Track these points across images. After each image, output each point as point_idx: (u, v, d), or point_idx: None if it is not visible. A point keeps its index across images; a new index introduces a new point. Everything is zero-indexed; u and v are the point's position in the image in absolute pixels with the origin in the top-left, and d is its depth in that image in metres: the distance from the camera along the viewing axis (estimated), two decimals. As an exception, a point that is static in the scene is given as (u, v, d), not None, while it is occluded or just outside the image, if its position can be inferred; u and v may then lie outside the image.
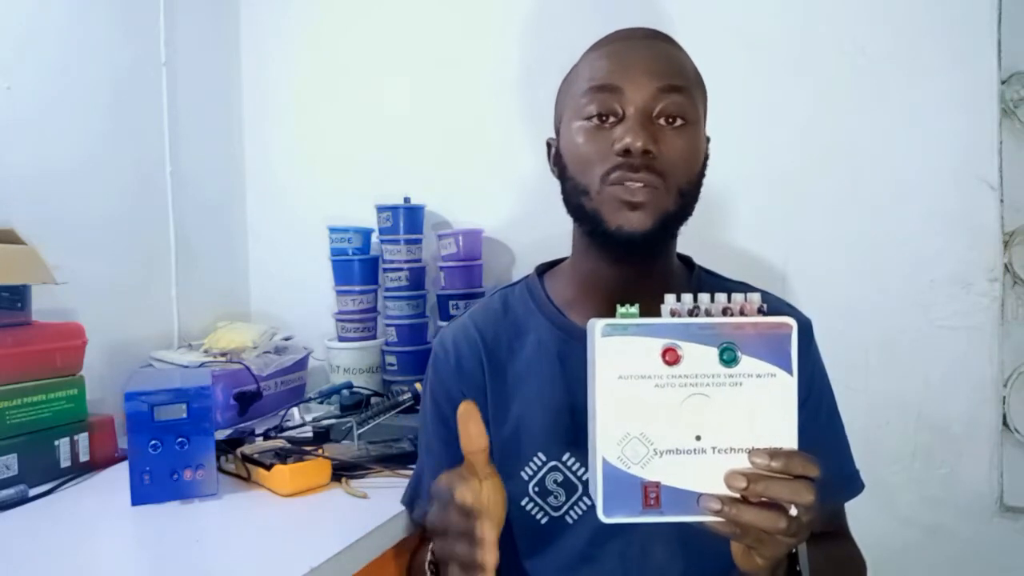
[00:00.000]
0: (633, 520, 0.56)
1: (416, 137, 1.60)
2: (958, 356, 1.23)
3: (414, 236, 1.52)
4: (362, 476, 1.04)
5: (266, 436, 1.19)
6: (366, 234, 1.57)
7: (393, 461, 1.08)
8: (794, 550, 0.64)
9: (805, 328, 0.85)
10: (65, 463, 1.08)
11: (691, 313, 0.56)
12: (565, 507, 0.80)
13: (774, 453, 0.55)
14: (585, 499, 0.79)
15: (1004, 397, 1.22)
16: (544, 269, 0.91)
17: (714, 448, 0.56)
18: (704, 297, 0.57)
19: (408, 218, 1.51)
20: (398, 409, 1.19)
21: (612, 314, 0.56)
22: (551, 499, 0.80)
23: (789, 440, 0.56)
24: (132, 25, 1.48)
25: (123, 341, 1.41)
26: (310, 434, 1.17)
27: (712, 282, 0.87)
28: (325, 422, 1.19)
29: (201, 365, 1.37)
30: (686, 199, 0.77)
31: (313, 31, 1.70)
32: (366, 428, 1.16)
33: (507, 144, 1.51)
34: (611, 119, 0.75)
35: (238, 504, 0.97)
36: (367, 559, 0.87)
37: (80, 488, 1.05)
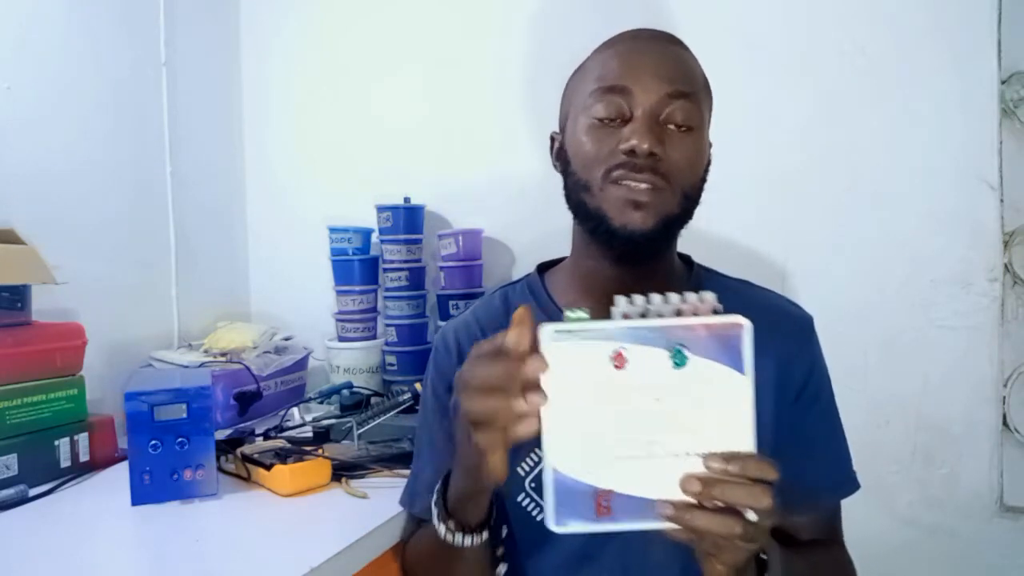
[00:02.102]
0: (587, 529, 0.54)
1: (416, 137, 1.60)
2: (958, 356, 1.23)
3: (414, 236, 1.52)
4: (362, 476, 1.04)
5: (266, 436, 1.19)
6: (366, 234, 1.57)
7: (393, 461, 1.08)
8: (763, 556, 0.62)
9: (806, 324, 0.86)
10: (65, 463, 1.08)
11: (644, 315, 0.54)
12: (562, 504, 0.79)
13: (730, 456, 0.53)
14: None
15: (1004, 397, 1.21)
16: (545, 267, 0.92)
17: (668, 453, 0.54)
18: (656, 298, 0.55)
19: (408, 218, 1.51)
20: (398, 409, 1.19)
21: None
22: (547, 494, 0.80)
23: (745, 443, 0.54)
24: (132, 25, 1.48)
25: (123, 341, 1.41)
26: (310, 434, 1.17)
27: (712, 280, 0.87)
28: (325, 422, 1.19)
29: (201, 365, 1.37)
30: (689, 202, 0.78)
31: (313, 31, 1.70)
32: (366, 428, 1.16)
33: (507, 144, 1.51)
34: (619, 119, 0.76)
35: (238, 504, 0.97)
36: (367, 559, 0.87)
37: (80, 488, 1.05)
